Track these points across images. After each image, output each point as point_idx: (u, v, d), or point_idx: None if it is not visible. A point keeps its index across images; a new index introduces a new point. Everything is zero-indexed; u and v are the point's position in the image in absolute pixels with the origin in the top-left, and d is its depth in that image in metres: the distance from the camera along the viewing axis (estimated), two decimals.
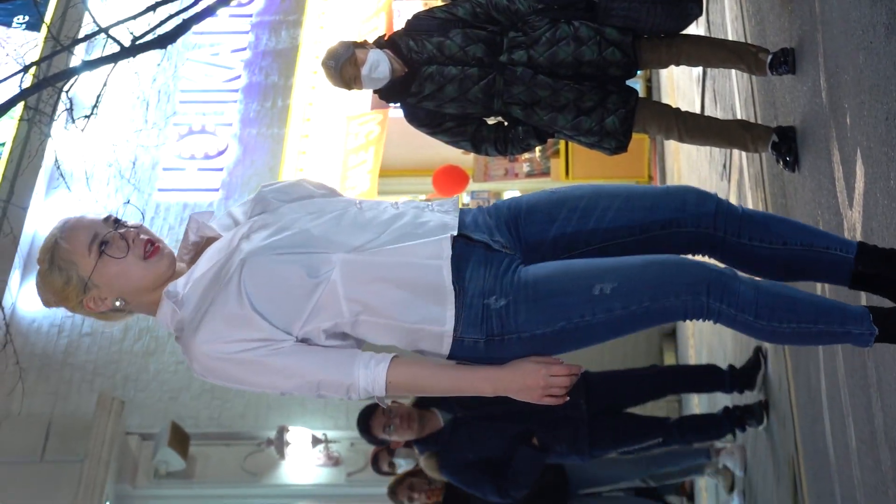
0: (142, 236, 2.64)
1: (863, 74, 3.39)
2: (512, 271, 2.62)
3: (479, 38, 4.73)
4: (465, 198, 11.89)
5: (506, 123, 4.94)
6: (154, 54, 7.01)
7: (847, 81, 3.63)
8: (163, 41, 6.44)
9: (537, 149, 10.56)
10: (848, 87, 3.62)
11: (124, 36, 6.55)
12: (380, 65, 4.72)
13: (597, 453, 6.08)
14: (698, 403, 8.44)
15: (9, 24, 11.68)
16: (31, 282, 9.60)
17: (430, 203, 2.77)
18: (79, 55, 10.07)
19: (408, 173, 12.15)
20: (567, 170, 11.43)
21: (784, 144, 4.68)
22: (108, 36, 6.70)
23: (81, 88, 8.52)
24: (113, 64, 6.74)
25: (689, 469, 7.01)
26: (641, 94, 7.35)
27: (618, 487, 6.86)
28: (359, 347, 2.67)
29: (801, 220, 4.50)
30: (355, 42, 4.80)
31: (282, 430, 9.97)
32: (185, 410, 10.25)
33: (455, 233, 2.63)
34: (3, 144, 10.99)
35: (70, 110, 7.02)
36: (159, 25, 6.61)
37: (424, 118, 4.90)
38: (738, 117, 6.14)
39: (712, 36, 6.72)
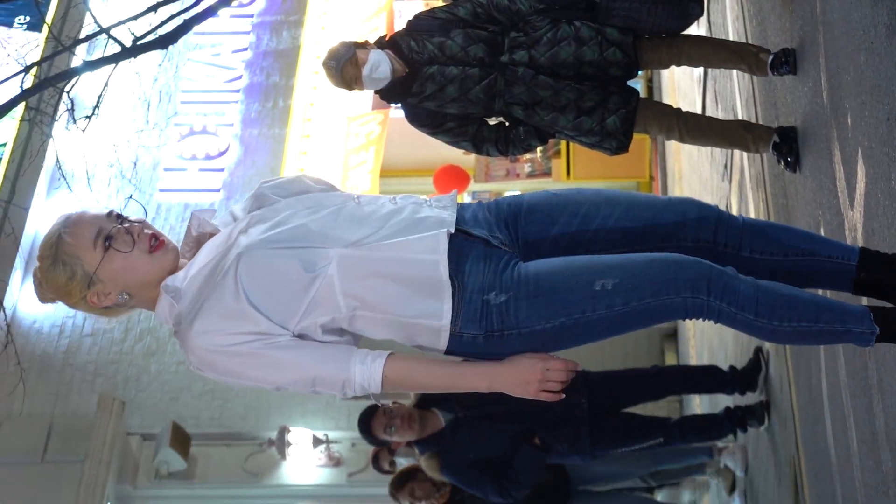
0: (146, 231, 2.65)
1: (864, 75, 3.39)
2: (512, 267, 2.62)
3: (480, 39, 4.73)
4: (466, 198, 11.89)
5: (507, 124, 4.94)
6: (155, 55, 7.01)
7: (848, 82, 3.63)
8: (164, 41, 6.44)
9: (538, 149, 10.58)
10: (849, 88, 3.62)
11: (125, 36, 6.55)
12: (381, 65, 4.72)
13: (598, 453, 6.08)
14: (699, 404, 8.44)
15: (10, 25, 11.68)
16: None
17: (427, 199, 2.77)
18: (80, 55, 10.07)
19: (409, 173, 12.14)
20: (568, 170, 11.43)
21: (785, 145, 4.68)
22: (110, 36, 6.70)
23: (82, 89, 8.53)
24: (114, 64, 6.74)
25: (691, 468, 7.02)
26: (642, 94, 7.36)
27: (618, 487, 6.86)
28: (355, 344, 2.67)
29: (803, 221, 4.52)
30: (356, 42, 4.80)
31: (283, 431, 9.97)
32: (186, 411, 10.25)
33: (452, 229, 2.63)
34: (4, 145, 10.99)
35: (71, 111, 7.02)
36: (160, 26, 6.61)
37: (425, 118, 4.90)
38: (740, 118, 6.14)
39: (713, 36, 6.73)
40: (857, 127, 3.51)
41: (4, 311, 8.44)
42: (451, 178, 10.96)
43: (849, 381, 3.87)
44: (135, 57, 6.59)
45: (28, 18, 11.68)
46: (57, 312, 10.50)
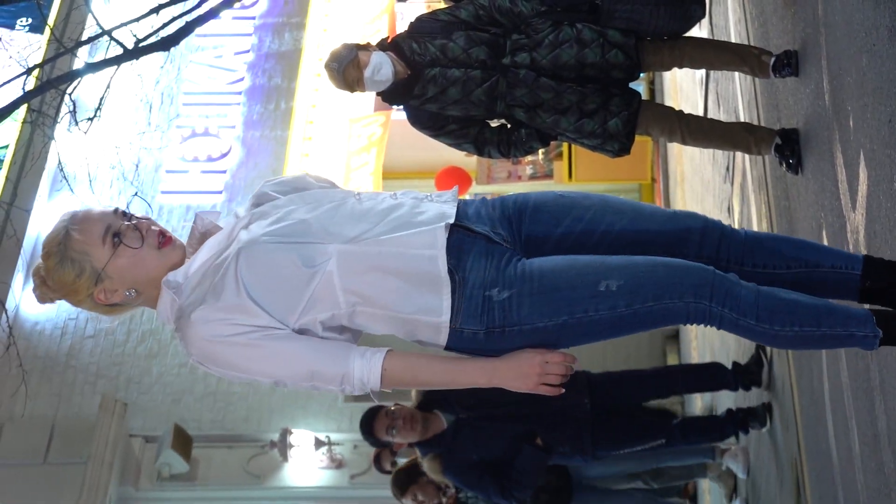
0: (153, 227, 2.66)
1: (866, 77, 3.39)
2: (514, 263, 2.62)
3: (482, 41, 4.73)
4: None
5: (509, 126, 4.94)
6: (157, 56, 7.03)
7: (850, 84, 3.63)
8: (166, 43, 6.45)
9: (540, 151, 10.59)
10: (851, 90, 3.62)
11: (127, 38, 6.57)
12: (382, 67, 4.72)
13: (600, 454, 6.08)
14: (702, 406, 8.43)
15: (12, 27, 11.69)
16: None
17: (428, 194, 2.77)
18: (82, 57, 10.09)
19: (411, 175, 12.14)
20: (570, 172, 11.43)
21: (787, 147, 4.68)
22: (112, 38, 6.72)
23: (84, 91, 8.54)
24: (116, 66, 6.76)
25: (693, 468, 7.01)
26: (644, 96, 7.36)
27: (618, 487, 6.86)
28: (355, 342, 2.66)
29: (805, 223, 4.52)
30: (358, 44, 4.80)
31: (285, 433, 9.98)
32: (188, 413, 10.26)
33: (451, 221, 2.62)
34: (6, 147, 11.00)
35: (73, 112, 7.04)
36: (162, 28, 6.63)
37: (427, 120, 4.90)
38: (742, 120, 6.14)
39: (715, 38, 6.73)
40: (859, 129, 3.51)
41: (7, 313, 8.44)
42: (453, 179, 10.96)
43: (851, 383, 3.87)
44: (137, 59, 6.61)
45: (30, 20, 11.69)
46: (59, 314, 10.52)
